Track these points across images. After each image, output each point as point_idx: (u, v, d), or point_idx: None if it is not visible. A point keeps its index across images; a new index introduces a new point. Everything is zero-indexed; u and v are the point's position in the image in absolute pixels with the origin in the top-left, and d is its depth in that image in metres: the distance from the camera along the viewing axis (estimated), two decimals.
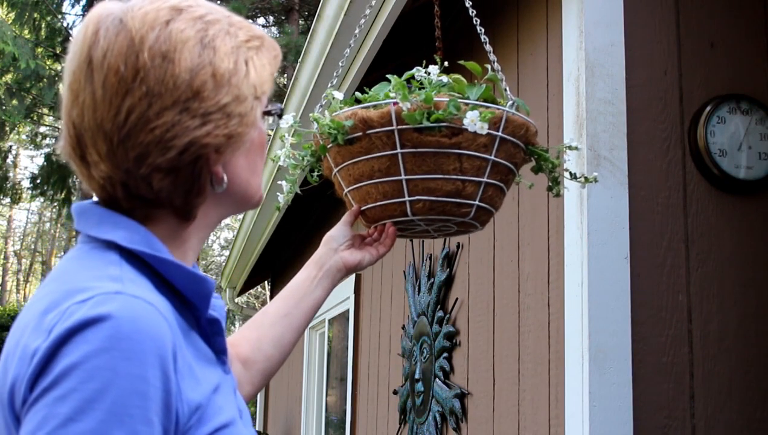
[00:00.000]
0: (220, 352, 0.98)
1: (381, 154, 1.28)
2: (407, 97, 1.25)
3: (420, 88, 1.34)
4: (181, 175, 0.88)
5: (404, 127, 1.26)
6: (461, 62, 1.44)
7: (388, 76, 1.35)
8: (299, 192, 1.43)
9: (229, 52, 0.90)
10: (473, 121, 1.26)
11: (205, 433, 0.83)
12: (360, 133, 1.28)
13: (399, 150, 1.27)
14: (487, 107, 1.29)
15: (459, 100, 1.27)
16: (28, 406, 0.75)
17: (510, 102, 1.36)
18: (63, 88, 0.90)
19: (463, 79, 1.36)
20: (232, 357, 1.24)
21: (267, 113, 0.98)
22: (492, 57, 1.48)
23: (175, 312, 0.87)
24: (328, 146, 1.33)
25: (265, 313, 1.32)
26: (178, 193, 0.89)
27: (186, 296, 0.90)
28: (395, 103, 1.26)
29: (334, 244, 1.36)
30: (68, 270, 0.86)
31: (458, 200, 1.30)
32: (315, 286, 1.33)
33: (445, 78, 1.35)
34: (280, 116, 0.95)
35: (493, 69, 1.43)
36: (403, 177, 1.28)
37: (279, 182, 1.44)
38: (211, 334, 0.95)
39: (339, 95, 1.36)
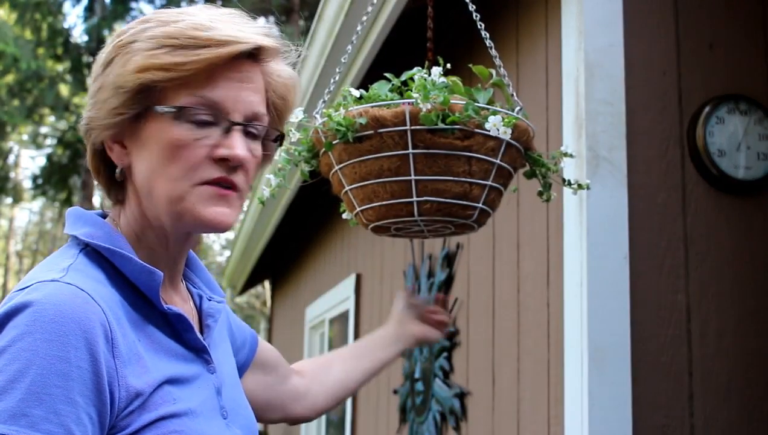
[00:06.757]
0: (199, 350, 0.99)
1: (392, 153, 1.28)
2: (428, 98, 1.25)
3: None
4: (91, 155, 1.00)
5: (417, 127, 1.26)
6: (471, 66, 1.45)
7: (386, 75, 1.36)
8: (287, 186, 1.42)
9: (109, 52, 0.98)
10: (495, 126, 1.26)
11: (149, 419, 0.85)
12: (371, 132, 1.28)
13: (411, 150, 1.27)
14: (507, 113, 1.30)
15: (476, 105, 1.28)
16: None
17: (518, 107, 1.37)
18: None
19: (460, 81, 1.37)
20: (291, 374, 1.36)
21: (147, 109, 0.94)
22: (498, 62, 1.48)
23: (125, 304, 0.90)
24: (334, 142, 1.33)
25: (339, 352, 1.46)
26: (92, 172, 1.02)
27: (139, 287, 0.93)
28: (409, 104, 1.27)
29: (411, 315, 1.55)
30: (38, 265, 0.92)
31: (464, 202, 1.31)
32: (392, 344, 1.51)
33: (443, 79, 1.36)
34: (176, 117, 0.91)
35: (499, 74, 1.44)
36: (412, 177, 1.28)
37: (267, 176, 1.42)
38: (182, 331, 0.97)
39: (356, 92, 1.36)
